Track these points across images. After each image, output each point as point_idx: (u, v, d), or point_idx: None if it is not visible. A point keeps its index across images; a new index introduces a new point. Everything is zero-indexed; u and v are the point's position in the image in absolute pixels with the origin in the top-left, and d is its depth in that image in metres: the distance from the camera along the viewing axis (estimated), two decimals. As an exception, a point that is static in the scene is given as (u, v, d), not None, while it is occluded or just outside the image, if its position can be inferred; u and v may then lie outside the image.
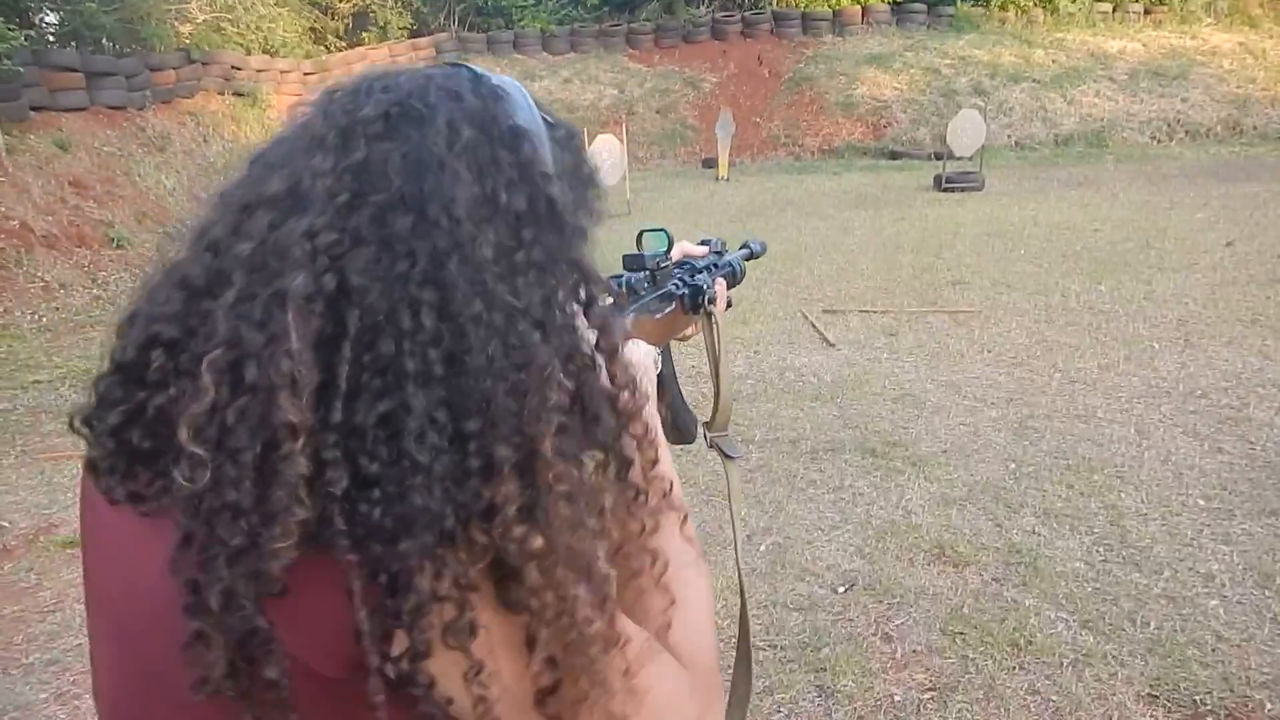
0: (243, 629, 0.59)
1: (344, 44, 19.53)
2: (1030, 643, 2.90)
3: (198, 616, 0.59)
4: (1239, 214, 9.75)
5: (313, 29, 19.27)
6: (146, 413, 0.64)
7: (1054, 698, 2.66)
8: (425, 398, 0.60)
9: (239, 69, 15.11)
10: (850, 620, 3.09)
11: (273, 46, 16.60)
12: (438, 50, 19.20)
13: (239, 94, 14.79)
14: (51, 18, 13.39)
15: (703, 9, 20.70)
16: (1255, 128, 16.50)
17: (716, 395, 1.19)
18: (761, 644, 2.99)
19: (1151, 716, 2.58)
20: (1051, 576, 3.26)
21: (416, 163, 0.63)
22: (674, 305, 1.12)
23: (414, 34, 20.17)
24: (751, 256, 1.40)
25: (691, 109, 18.68)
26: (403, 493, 0.59)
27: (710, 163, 16.11)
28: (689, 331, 1.17)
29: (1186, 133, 16.60)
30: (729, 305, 1.23)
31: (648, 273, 1.09)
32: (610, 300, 0.72)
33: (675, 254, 1.18)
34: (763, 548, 3.59)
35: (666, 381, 1.15)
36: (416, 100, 0.66)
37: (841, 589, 3.27)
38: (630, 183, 12.56)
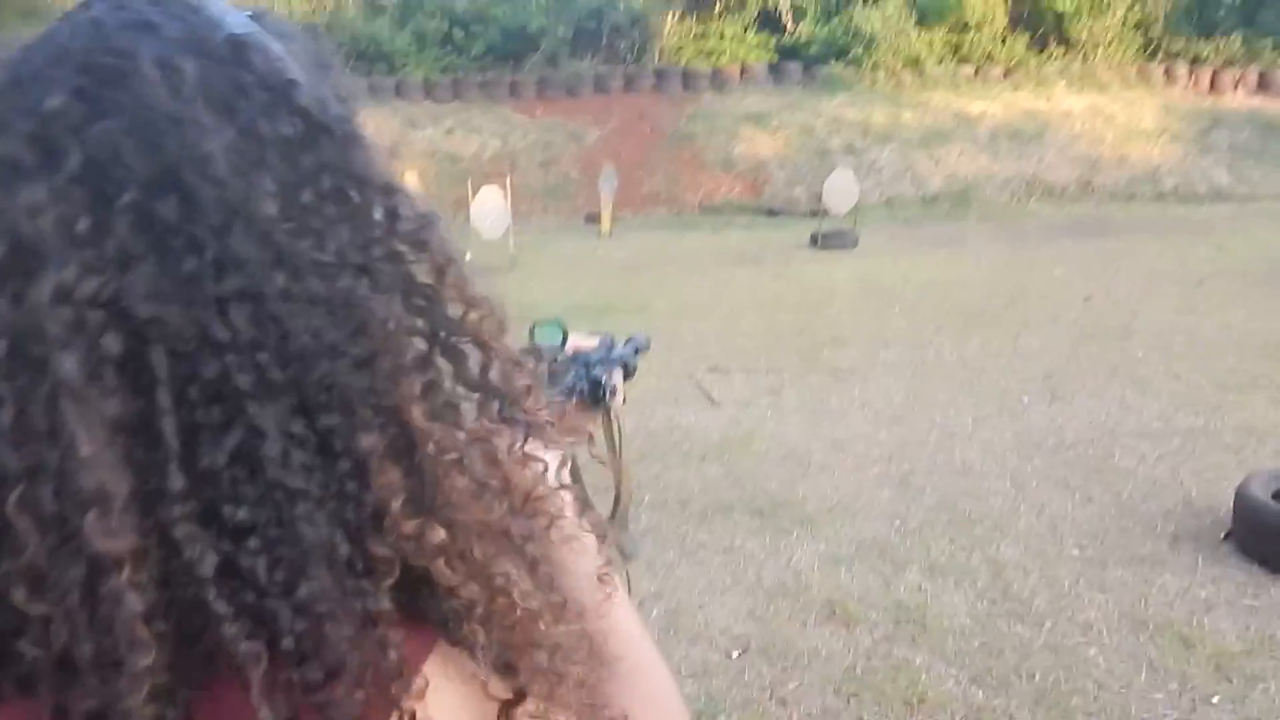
0: None
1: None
2: (923, 700, 2.93)
3: None
4: (1094, 269, 10.32)
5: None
6: None
7: (947, 758, 2.69)
8: (274, 412, 0.49)
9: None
10: (745, 685, 3.06)
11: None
12: (315, 100, 18.86)
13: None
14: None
15: (586, 62, 20.97)
16: (1105, 186, 17.61)
17: (618, 491, 1.14)
18: (657, 715, 2.93)
19: (1041, 773, 2.62)
20: (940, 632, 3.32)
21: (145, 129, 0.49)
22: (573, 402, 1.07)
23: (290, 82, 19.80)
24: (638, 351, 1.38)
25: (574, 162, 18.80)
26: (285, 530, 0.49)
27: (593, 218, 16.21)
28: (589, 429, 1.12)
29: (1043, 191, 17.58)
30: (624, 400, 1.20)
31: (545, 367, 1.04)
32: (421, 209, 0.59)
33: (567, 348, 1.15)
34: (654, 613, 3.54)
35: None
36: (102, 55, 0.51)
37: (735, 653, 3.25)
38: (513, 236, 12.52)
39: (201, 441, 0.49)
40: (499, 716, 0.56)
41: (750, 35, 20.99)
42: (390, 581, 0.51)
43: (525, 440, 0.60)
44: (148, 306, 0.48)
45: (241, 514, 0.49)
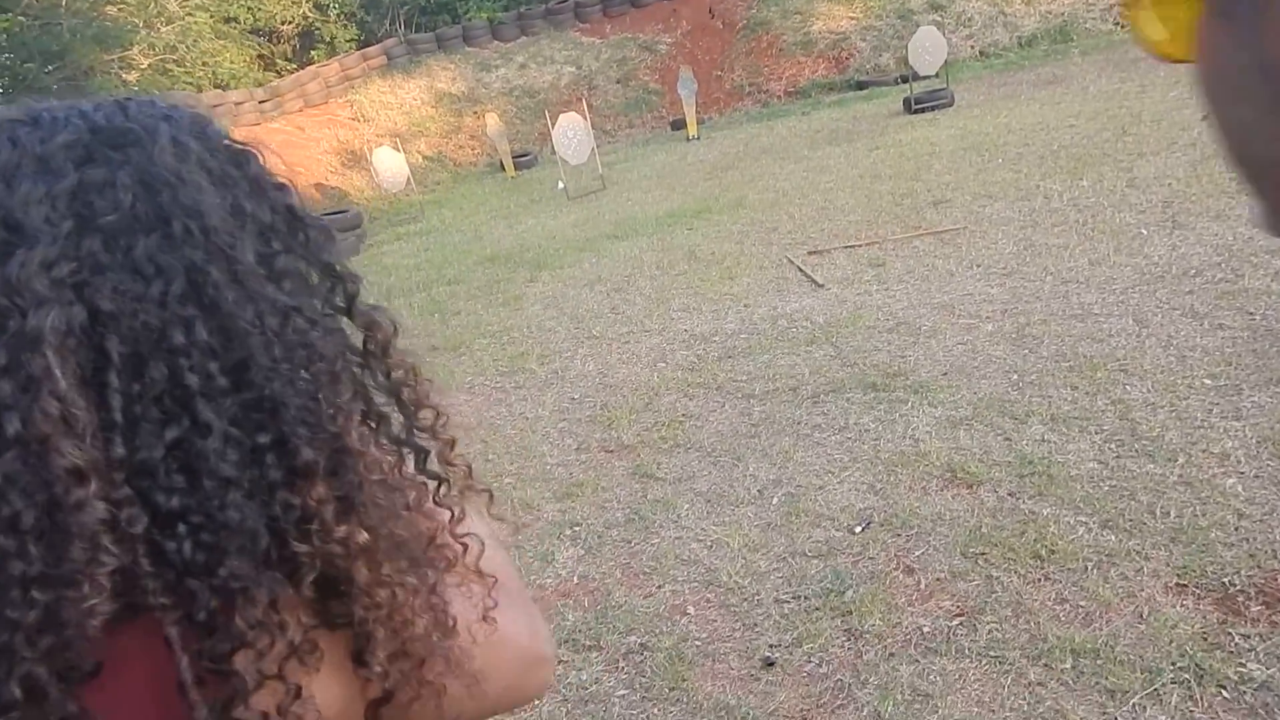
0: (51, 718, 0.54)
1: (294, 66, 19.40)
2: (1053, 551, 2.87)
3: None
4: (1212, 86, 9.60)
5: (260, 56, 19.16)
6: None
7: (1083, 603, 2.63)
8: (218, 411, 0.56)
9: (192, 108, 14.98)
10: (871, 559, 3.06)
11: (222, 80, 16.50)
12: (389, 57, 19.05)
13: (197, 132, 14.68)
14: (-8, 86, 13.34)
15: (646, -30, 20.45)
16: (1217, -4, 16.29)
17: None
18: (785, 596, 2.97)
19: (1182, 606, 2.55)
20: (1066, 481, 3.23)
21: (148, 179, 0.59)
22: None
23: (362, 44, 20.00)
24: None
25: (651, 73, 18.52)
26: (212, 516, 0.55)
27: (679, 124, 15.99)
28: None
29: (1150, 13, 16.38)
30: None
31: None
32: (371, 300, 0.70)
33: None
34: (775, 500, 3.56)
35: None
36: (122, 121, 0.61)
37: (858, 529, 3.24)
38: (600, 157, 12.46)
39: (141, 429, 0.55)
40: (366, 712, 0.64)
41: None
42: (311, 576, 0.59)
43: (439, 491, 0.71)
44: (110, 303, 0.56)
45: (173, 503, 0.55)
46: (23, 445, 0.53)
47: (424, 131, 17.79)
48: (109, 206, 0.57)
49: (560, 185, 12.25)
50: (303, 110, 17.20)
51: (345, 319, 0.68)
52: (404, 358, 0.70)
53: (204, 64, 16.02)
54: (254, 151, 0.67)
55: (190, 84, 15.69)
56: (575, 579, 3.37)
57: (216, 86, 16.27)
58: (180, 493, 0.55)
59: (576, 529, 3.70)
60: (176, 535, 0.55)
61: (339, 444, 0.60)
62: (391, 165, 13.86)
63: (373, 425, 0.65)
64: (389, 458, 0.65)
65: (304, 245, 0.65)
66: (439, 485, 0.71)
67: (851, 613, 2.81)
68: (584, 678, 2.82)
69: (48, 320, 0.54)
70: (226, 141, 0.66)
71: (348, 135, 17.04)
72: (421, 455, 0.69)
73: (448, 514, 0.71)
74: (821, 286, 6.03)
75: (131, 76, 14.53)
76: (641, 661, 2.84)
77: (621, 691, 2.74)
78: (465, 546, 0.71)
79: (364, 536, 0.60)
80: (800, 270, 6.46)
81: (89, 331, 0.55)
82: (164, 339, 0.56)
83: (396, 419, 0.68)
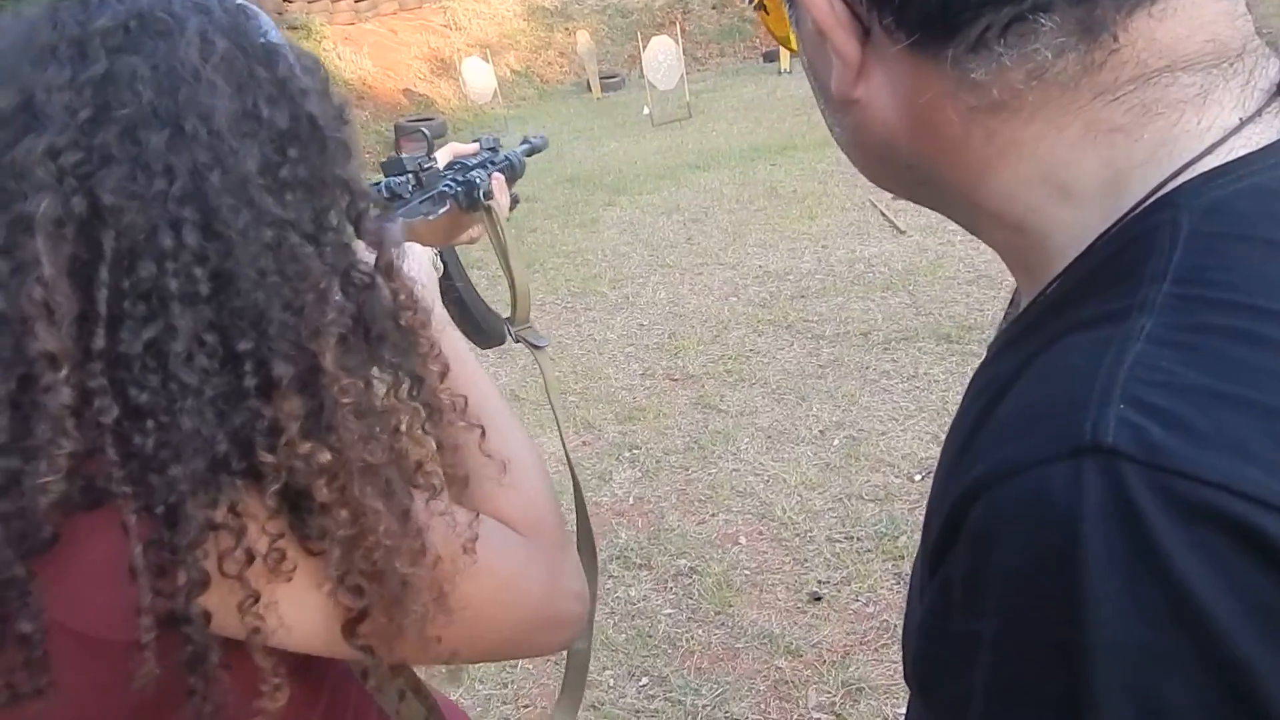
0: None
1: (391, -32, 19.32)
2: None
3: None
4: None
5: (359, -44, 19.10)
6: None
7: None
8: (191, 319, 0.58)
9: (289, 2, 15.06)
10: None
11: (321, -23, 16.51)
12: (485, -35, 18.85)
13: (292, 28, 14.76)
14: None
15: (753, -107, 19.87)
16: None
17: (512, 288, 1.18)
18: (838, 535, 2.99)
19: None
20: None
21: (169, 74, 0.59)
22: (448, 205, 1.08)
23: (459, -48, 19.81)
24: (532, 151, 1.37)
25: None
26: (172, 419, 0.57)
27: (771, 56, 15.64)
28: (475, 233, 1.14)
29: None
30: (516, 203, 1.21)
31: (410, 175, 1.06)
32: (382, 216, 0.69)
33: (445, 155, 1.17)
34: (836, 442, 3.56)
35: (456, 282, 1.16)
36: (161, 10, 0.61)
37: (918, 476, 3.23)
38: (689, 85, 12.28)
39: (125, 324, 0.57)
40: (342, 632, 0.65)
41: None
42: (275, 487, 0.60)
43: (427, 421, 0.70)
44: (112, 198, 0.57)
45: (143, 398, 0.57)
46: (6, 323, 0.56)
47: (514, 45, 17.67)
48: (131, 98, 0.58)
49: (646, 111, 12.12)
50: (396, 13, 17.15)
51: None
52: (409, 281, 0.70)
53: (303, -40, 16.04)
54: (285, 52, 0.66)
55: (289, -21, 15.73)
56: (631, 500, 3.42)
57: (314, -17, 16.30)
58: (151, 390, 0.57)
59: (635, 452, 3.75)
60: (144, 430, 0.57)
61: (313, 362, 0.61)
62: (480, 76, 13.82)
63: (363, 347, 0.65)
64: (376, 382, 0.66)
65: (320, 155, 0.65)
66: (430, 414, 0.70)
67: (904, 557, 2.82)
68: (633, 594, 2.88)
69: (42, 207, 0.56)
70: (262, 40, 0.65)
71: (439, 42, 17.00)
72: (416, 381, 0.69)
73: (435, 444, 0.71)
74: (903, 233, 5.92)
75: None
76: (690, 584, 2.89)
77: (668, 610, 2.80)
78: (452, 476, 0.71)
79: (326, 456, 0.61)
80: (883, 214, 6.34)
81: (87, 222, 0.57)
82: (155, 238, 0.57)
83: (394, 341, 0.68)
